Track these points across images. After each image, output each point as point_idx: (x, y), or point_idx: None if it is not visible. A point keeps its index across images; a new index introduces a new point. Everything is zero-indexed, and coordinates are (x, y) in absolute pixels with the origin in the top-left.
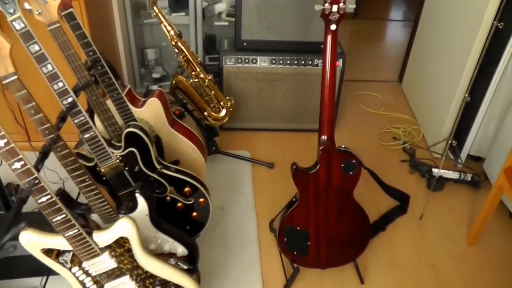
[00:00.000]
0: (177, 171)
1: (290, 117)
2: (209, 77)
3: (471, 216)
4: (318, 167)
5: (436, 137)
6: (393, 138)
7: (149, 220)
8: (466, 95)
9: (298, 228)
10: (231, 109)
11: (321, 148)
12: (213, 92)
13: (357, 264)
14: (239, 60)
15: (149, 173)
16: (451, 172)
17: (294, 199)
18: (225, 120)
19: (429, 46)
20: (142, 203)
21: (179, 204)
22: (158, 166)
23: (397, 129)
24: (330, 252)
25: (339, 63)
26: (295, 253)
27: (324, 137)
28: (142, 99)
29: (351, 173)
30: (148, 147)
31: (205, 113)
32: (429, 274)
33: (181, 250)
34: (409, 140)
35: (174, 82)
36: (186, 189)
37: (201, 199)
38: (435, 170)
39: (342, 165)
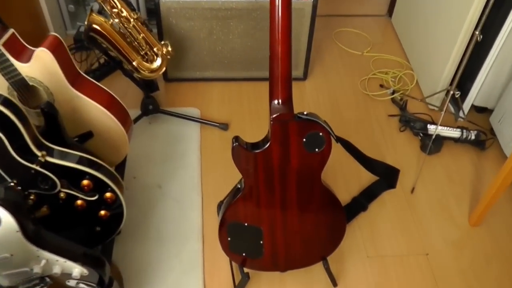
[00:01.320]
0: (67, 157)
1: (250, 63)
2: (135, 16)
3: (475, 186)
4: (268, 143)
5: (433, 84)
6: (379, 86)
7: (23, 237)
8: (477, 33)
9: (246, 224)
10: (168, 57)
11: (272, 117)
12: (142, 35)
13: (327, 265)
14: None
15: (27, 164)
16: (451, 129)
17: (238, 186)
18: (162, 71)
19: None
20: (6, 218)
21: (79, 202)
22: (39, 153)
23: (385, 74)
24: (291, 251)
25: None
26: (244, 254)
27: (276, 102)
28: (33, 49)
29: (317, 150)
30: (19, 128)
31: (135, 63)
32: (422, 267)
33: (77, 270)
34: (400, 89)
35: (86, 23)
36: (84, 182)
37: (108, 194)
38: (431, 127)
39: (304, 140)
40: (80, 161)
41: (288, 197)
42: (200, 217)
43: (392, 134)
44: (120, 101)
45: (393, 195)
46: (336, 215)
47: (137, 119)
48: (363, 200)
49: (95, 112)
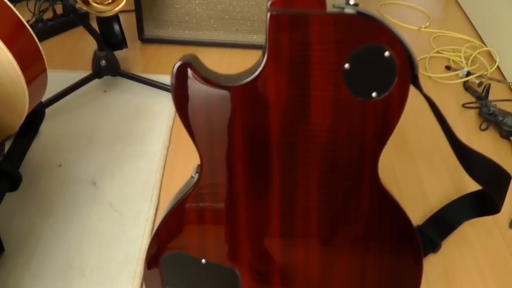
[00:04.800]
0: None
1: (263, 22)
2: None
3: None
4: (260, 70)
5: None
6: (445, 68)
7: None
8: None
9: (204, 262)
10: None
11: (271, 3)
12: None
13: None
14: None
15: None
16: None
17: (192, 175)
18: (120, 5)
19: None
20: None
21: None
22: None
23: (452, 53)
24: None
25: None
26: None
27: None
28: None
29: (374, 94)
30: None
31: None
32: None
33: None
34: (475, 71)
35: None
36: None
37: None
38: None
39: (347, 67)
40: None
41: (300, 203)
42: (146, 238)
43: (470, 133)
44: (31, 32)
45: (480, 228)
46: (404, 259)
47: (84, 81)
48: (433, 232)
49: None
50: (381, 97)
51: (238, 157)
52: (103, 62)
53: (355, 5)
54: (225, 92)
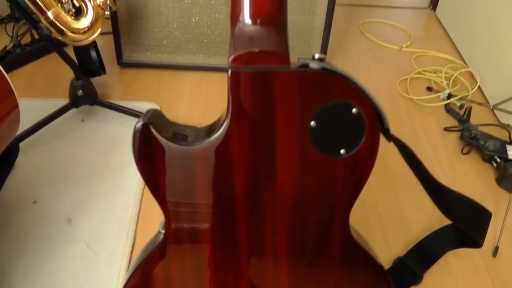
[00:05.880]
0: None
1: None
2: None
3: None
4: (223, 130)
5: (508, 84)
6: (426, 89)
7: None
8: None
9: None
10: (106, 12)
11: (232, 58)
12: None
13: None
14: None
15: None
16: None
17: (160, 229)
18: (96, 34)
19: None
20: None
21: None
22: None
23: (433, 73)
24: None
25: None
26: None
27: (246, 19)
28: None
29: (342, 152)
30: None
31: (50, 15)
32: None
33: None
34: (457, 93)
35: None
36: None
37: None
38: None
39: (313, 124)
40: None
41: (269, 260)
42: (121, 279)
43: (451, 157)
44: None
45: (463, 258)
46: None
47: (61, 111)
48: (415, 263)
49: None
50: (350, 154)
51: (203, 216)
52: (80, 92)
53: (321, 59)
54: (188, 151)
